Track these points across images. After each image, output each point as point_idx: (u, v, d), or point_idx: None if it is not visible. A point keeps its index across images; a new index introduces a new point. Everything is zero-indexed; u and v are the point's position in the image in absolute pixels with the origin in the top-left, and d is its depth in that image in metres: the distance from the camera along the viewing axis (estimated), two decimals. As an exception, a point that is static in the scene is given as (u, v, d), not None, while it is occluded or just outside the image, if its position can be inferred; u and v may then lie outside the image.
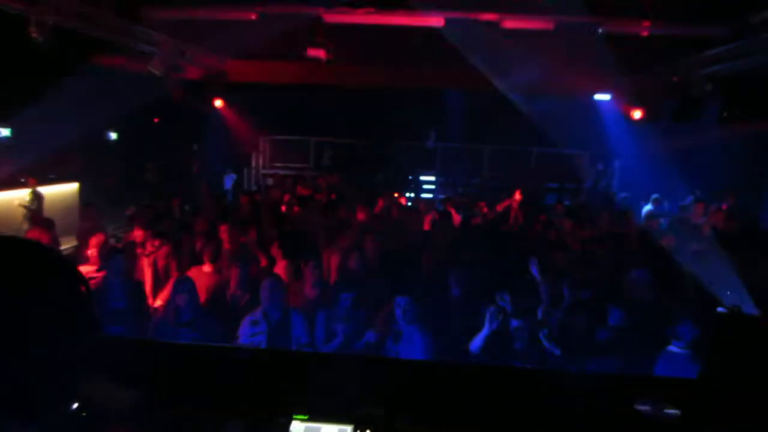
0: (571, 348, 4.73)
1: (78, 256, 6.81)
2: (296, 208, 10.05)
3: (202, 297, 5.48)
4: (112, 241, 7.58)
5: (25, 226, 9.30)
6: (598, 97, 13.79)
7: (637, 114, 11.43)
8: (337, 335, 4.97)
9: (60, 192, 11.78)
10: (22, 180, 10.56)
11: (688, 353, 4.47)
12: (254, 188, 16.63)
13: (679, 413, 2.06)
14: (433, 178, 17.87)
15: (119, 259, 5.61)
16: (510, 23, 7.30)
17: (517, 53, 8.17)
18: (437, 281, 5.89)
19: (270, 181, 16.55)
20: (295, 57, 9.51)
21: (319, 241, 7.66)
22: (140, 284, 6.01)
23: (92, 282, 5.50)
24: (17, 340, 1.05)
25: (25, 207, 10.00)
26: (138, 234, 7.08)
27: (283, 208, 10.40)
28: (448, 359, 4.84)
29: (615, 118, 13.91)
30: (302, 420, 1.66)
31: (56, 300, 1.12)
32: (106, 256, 5.90)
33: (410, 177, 17.31)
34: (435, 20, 7.43)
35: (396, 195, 13.03)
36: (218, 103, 12.85)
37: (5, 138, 11.72)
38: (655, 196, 12.40)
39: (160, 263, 6.67)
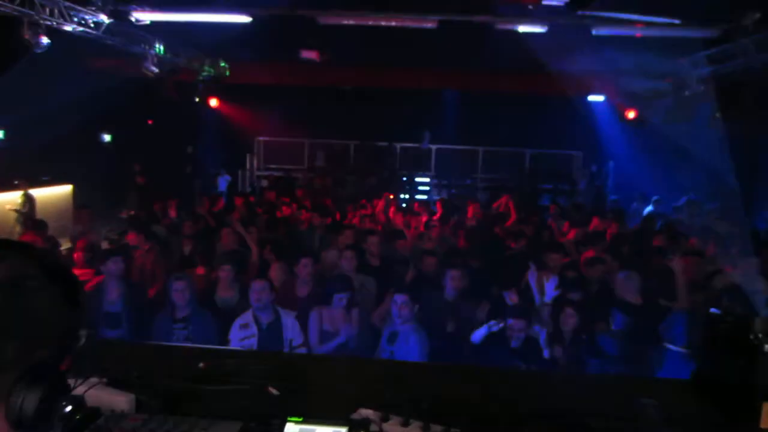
0: (570, 352, 4.74)
1: (71, 258, 6.79)
2: (285, 209, 10.04)
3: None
4: (105, 243, 7.55)
5: (18, 229, 9.26)
6: (591, 98, 13.86)
7: (631, 114, 11.49)
8: (337, 336, 4.94)
9: (53, 194, 11.74)
10: (15, 182, 10.51)
11: (684, 353, 4.49)
12: (249, 190, 16.62)
13: (670, 413, 2.07)
14: (427, 179, 17.89)
15: (115, 261, 5.57)
16: (502, 25, 7.32)
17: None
18: (432, 282, 5.89)
19: (264, 183, 16.53)
20: (289, 59, 9.51)
21: (315, 242, 7.66)
22: (136, 287, 5.98)
23: (87, 285, 5.49)
24: (8, 344, 1.05)
25: (17, 211, 9.94)
26: (131, 237, 7.07)
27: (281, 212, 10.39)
28: (444, 360, 4.85)
29: (609, 118, 13.98)
30: (296, 422, 1.66)
31: (48, 303, 1.12)
32: (102, 259, 5.87)
33: (405, 178, 17.33)
34: (427, 22, 7.45)
35: (391, 196, 13.05)
36: (213, 104, 12.85)
37: (-1, 140, 11.68)
38: (655, 197, 12.45)
39: (148, 266, 6.64)
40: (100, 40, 7.82)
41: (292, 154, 18.27)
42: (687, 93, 9.14)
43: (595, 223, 9.25)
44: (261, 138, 18.43)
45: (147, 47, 9.10)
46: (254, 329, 4.82)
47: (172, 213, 9.53)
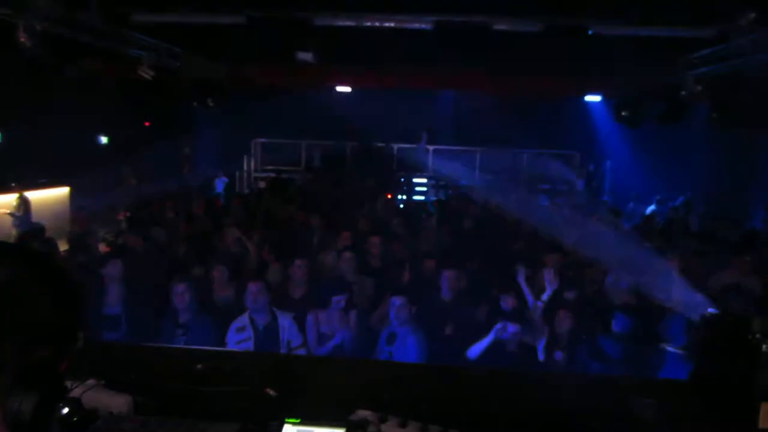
0: (570, 355, 4.73)
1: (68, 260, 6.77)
2: (283, 210, 10.04)
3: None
4: (102, 245, 7.55)
5: (14, 232, 9.24)
6: (588, 98, 13.90)
7: (627, 115, 11.51)
8: (334, 337, 4.93)
9: (50, 196, 11.72)
10: (12, 184, 10.49)
11: (681, 353, 4.48)
12: (246, 191, 16.61)
13: (666, 411, 2.07)
14: (425, 180, 17.90)
15: (115, 264, 5.55)
16: (499, 26, 7.32)
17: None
18: (429, 283, 5.89)
19: (262, 184, 16.53)
20: (285, 60, 9.51)
21: (313, 243, 7.65)
22: (136, 289, 5.94)
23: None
24: (5, 345, 1.05)
25: (11, 214, 9.88)
26: (130, 239, 7.06)
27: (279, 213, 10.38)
28: (441, 361, 4.84)
29: (606, 119, 14.02)
30: (294, 423, 1.66)
31: (45, 305, 1.12)
32: (101, 262, 5.86)
33: (402, 179, 17.33)
34: (424, 23, 7.45)
35: (389, 197, 13.05)
36: (209, 105, 12.82)
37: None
38: (658, 197, 12.49)
39: (147, 268, 6.62)
40: (96, 43, 7.80)
41: (289, 155, 18.27)
42: (683, 93, 9.15)
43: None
44: (258, 140, 18.44)
45: (143, 50, 9.08)
46: (250, 332, 4.81)
47: (170, 214, 9.52)
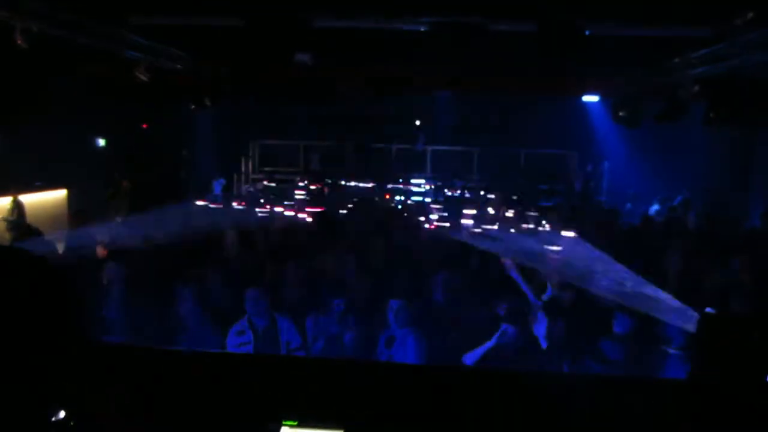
0: (569, 353, 4.71)
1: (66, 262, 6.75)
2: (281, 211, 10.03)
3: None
4: (100, 248, 7.53)
5: (8, 236, 9.20)
6: (586, 98, 13.91)
7: (624, 115, 11.51)
8: (334, 340, 4.94)
9: (48, 199, 11.69)
10: (7, 188, 10.43)
11: (680, 354, 4.48)
12: (244, 193, 16.63)
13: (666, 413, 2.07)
14: (423, 181, 17.91)
15: (115, 267, 5.54)
16: (496, 26, 7.32)
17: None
18: (423, 286, 5.88)
19: (260, 186, 16.55)
20: (283, 61, 9.50)
21: (312, 245, 7.64)
22: (135, 292, 5.93)
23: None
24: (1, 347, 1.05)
25: (4, 220, 9.81)
26: (128, 241, 7.04)
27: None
28: (439, 363, 4.84)
29: (603, 118, 14.03)
30: (292, 426, 1.66)
31: (40, 308, 1.11)
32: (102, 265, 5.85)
33: (400, 180, 17.34)
34: (420, 24, 7.45)
35: (387, 197, 13.04)
36: (207, 106, 12.81)
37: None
38: (660, 197, 12.50)
39: (146, 271, 6.60)
40: (93, 45, 7.78)
41: (287, 156, 18.28)
42: (681, 93, 9.17)
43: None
44: (256, 141, 18.45)
45: (140, 51, 9.06)
46: (250, 335, 4.83)
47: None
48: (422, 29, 7.53)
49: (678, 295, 5.22)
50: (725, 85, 8.11)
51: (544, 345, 4.70)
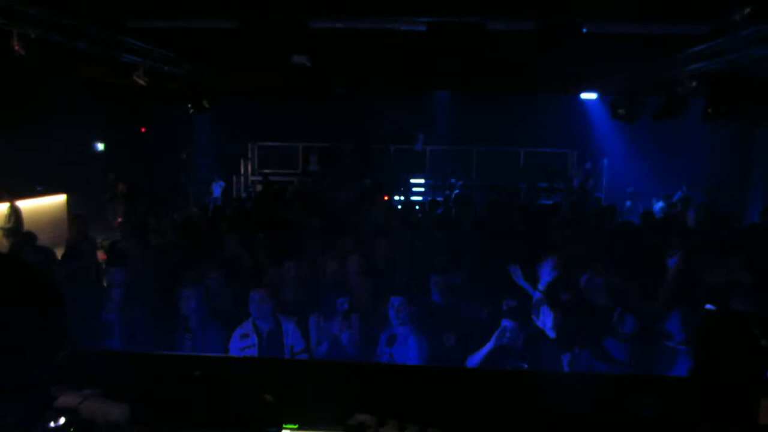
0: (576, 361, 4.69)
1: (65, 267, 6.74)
2: (280, 213, 10.02)
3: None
4: (100, 252, 7.54)
5: (5, 242, 9.20)
6: (585, 96, 13.92)
7: (623, 113, 11.52)
8: (337, 340, 4.92)
9: (48, 204, 11.71)
10: (4, 194, 10.43)
11: (683, 350, 4.47)
12: (243, 195, 16.62)
13: (670, 410, 2.07)
14: (422, 180, 17.92)
15: (117, 272, 5.50)
16: (494, 25, 7.32)
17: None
18: (421, 285, 5.86)
19: (259, 188, 16.55)
20: (280, 64, 9.51)
21: (312, 246, 7.63)
22: (135, 296, 5.90)
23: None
24: None
25: (1, 228, 9.78)
26: (129, 245, 7.03)
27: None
28: (439, 363, 4.84)
29: (602, 116, 14.04)
30: (292, 429, 1.65)
31: (31, 315, 1.11)
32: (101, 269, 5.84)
33: (400, 180, 17.34)
34: (418, 24, 7.45)
35: (386, 197, 13.03)
36: (205, 109, 12.82)
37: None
38: (664, 194, 12.51)
39: (146, 274, 6.60)
40: (91, 50, 7.79)
41: (286, 158, 18.31)
42: (679, 89, 9.17)
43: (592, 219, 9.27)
44: (255, 143, 18.47)
45: (138, 55, 9.07)
46: (254, 338, 4.80)
47: (167, 220, 9.50)
48: (420, 29, 7.53)
49: (678, 293, 5.22)
50: (723, 81, 8.10)
51: (552, 335, 4.66)
